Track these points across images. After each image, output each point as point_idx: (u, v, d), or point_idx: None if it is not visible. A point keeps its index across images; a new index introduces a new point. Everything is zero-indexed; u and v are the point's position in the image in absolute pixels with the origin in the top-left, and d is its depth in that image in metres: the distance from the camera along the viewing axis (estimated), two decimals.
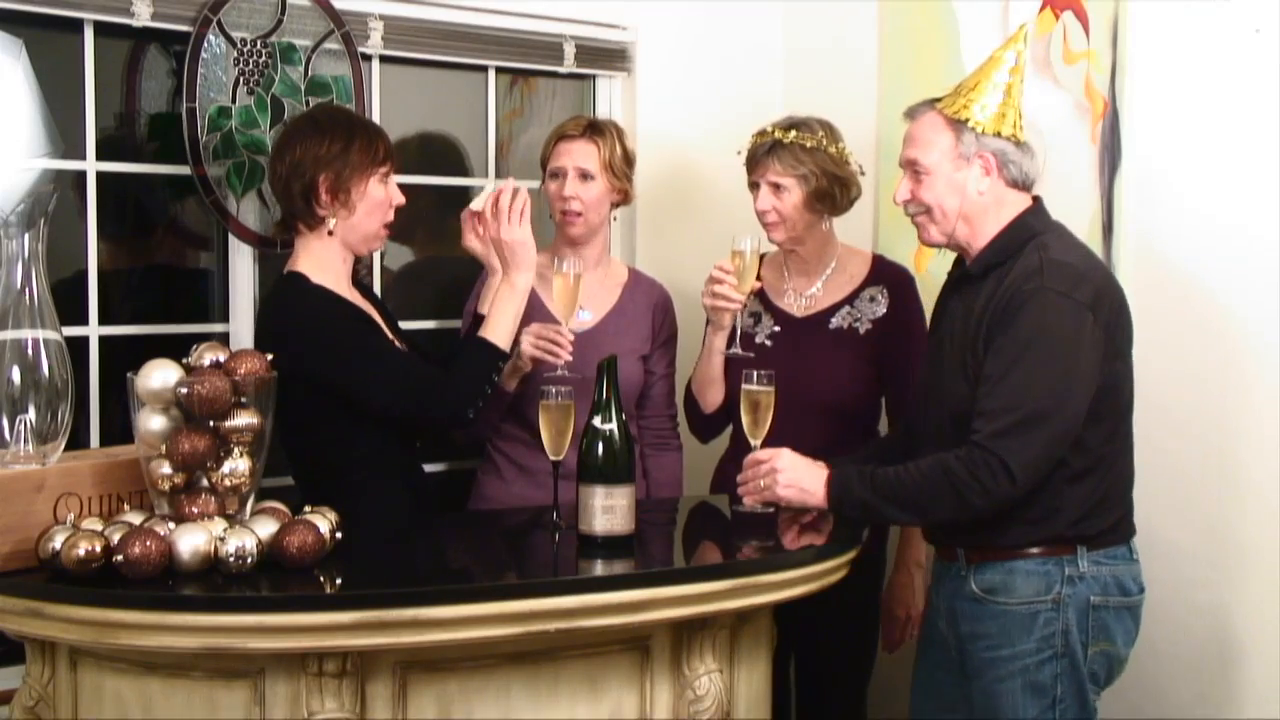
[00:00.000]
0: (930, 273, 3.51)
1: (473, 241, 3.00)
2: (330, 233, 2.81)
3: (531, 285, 2.95)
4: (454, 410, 2.80)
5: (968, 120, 2.66)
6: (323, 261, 2.82)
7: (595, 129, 3.22)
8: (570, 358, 2.94)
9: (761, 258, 3.16)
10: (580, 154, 3.18)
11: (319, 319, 2.75)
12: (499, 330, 2.86)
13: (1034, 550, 2.63)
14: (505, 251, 2.91)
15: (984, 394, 2.57)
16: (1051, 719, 2.63)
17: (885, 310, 3.17)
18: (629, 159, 3.24)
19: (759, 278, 3.12)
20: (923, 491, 2.57)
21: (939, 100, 2.73)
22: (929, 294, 3.24)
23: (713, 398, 3.19)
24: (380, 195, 2.84)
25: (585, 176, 3.18)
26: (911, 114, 2.76)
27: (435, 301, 3.64)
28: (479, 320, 2.95)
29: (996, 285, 2.63)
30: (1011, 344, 2.55)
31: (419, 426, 2.91)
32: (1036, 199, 2.73)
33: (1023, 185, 2.71)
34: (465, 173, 3.75)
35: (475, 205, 2.97)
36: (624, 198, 3.27)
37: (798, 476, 2.67)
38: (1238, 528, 2.99)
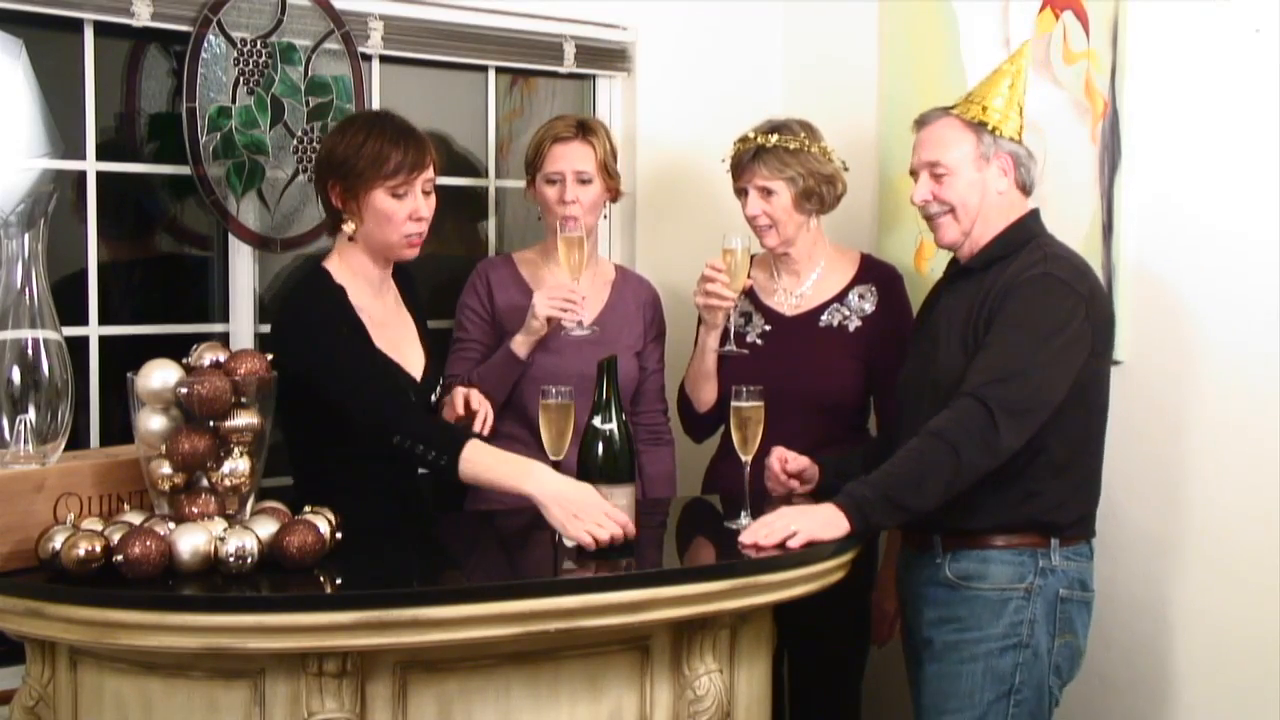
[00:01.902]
0: (930, 273, 3.51)
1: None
2: (351, 238, 2.77)
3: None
4: (384, 437, 2.63)
5: (987, 123, 2.76)
6: (349, 261, 2.79)
7: (587, 129, 3.22)
8: (583, 314, 2.97)
9: (752, 258, 3.17)
10: (576, 157, 3.18)
11: (310, 314, 2.71)
12: (480, 463, 2.60)
13: (1010, 541, 2.70)
14: (571, 516, 2.52)
15: (976, 358, 2.66)
16: (1005, 707, 2.68)
17: (874, 308, 3.21)
18: (616, 155, 3.27)
19: (749, 276, 3.13)
20: (923, 463, 2.59)
21: (951, 108, 2.82)
22: (924, 294, 3.24)
23: (706, 396, 3.20)
24: (388, 208, 2.72)
25: (583, 180, 3.18)
26: (924, 120, 2.85)
27: (428, 301, 3.64)
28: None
29: (998, 276, 2.72)
30: (1009, 317, 2.65)
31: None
32: (1034, 209, 2.84)
33: (1027, 189, 2.83)
34: (465, 173, 3.75)
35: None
36: (615, 195, 3.28)
37: (812, 513, 2.59)
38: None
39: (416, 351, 2.89)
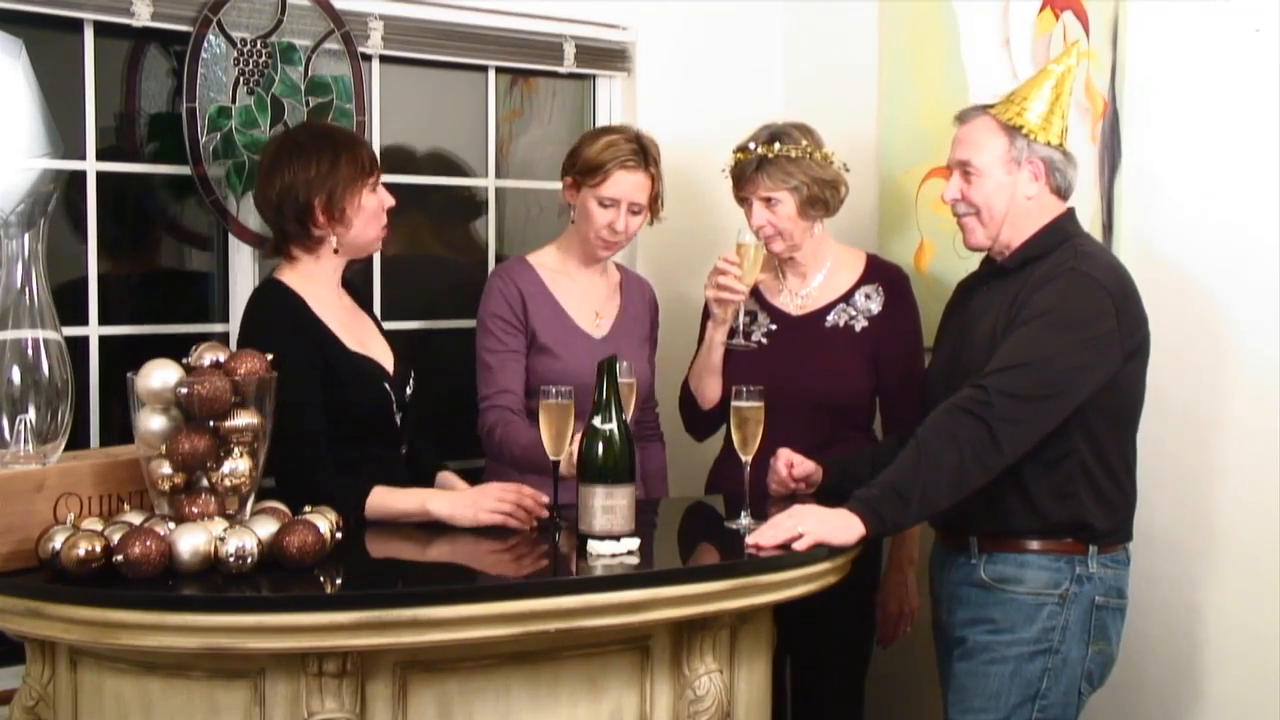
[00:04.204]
0: (929, 273, 3.52)
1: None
2: (336, 250, 2.80)
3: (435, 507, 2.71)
4: (293, 479, 2.62)
5: (1022, 127, 2.74)
6: (311, 273, 2.81)
7: (649, 159, 3.15)
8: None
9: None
10: (638, 189, 3.12)
11: (271, 334, 2.64)
12: (383, 505, 2.68)
13: (1048, 545, 2.69)
14: (472, 505, 2.69)
15: (996, 352, 2.64)
16: (1030, 711, 2.68)
17: (881, 308, 3.19)
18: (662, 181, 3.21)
19: (748, 324, 3.13)
20: (922, 453, 2.57)
21: (991, 106, 2.80)
22: (926, 294, 3.25)
23: (711, 393, 3.19)
24: (373, 205, 2.82)
25: (635, 211, 3.14)
26: (963, 117, 2.84)
27: (430, 301, 3.65)
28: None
29: (1031, 275, 2.71)
30: (1031, 311, 2.64)
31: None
32: (1070, 208, 2.81)
33: (1063, 193, 2.80)
34: (465, 173, 3.75)
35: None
36: (653, 220, 3.25)
37: (826, 515, 2.57)
38: (1234, 528, 3.00)
39: (383, 347, 2.93)
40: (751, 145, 3.13)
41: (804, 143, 3.12)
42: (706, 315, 3.16)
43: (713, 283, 3.05)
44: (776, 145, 3.09)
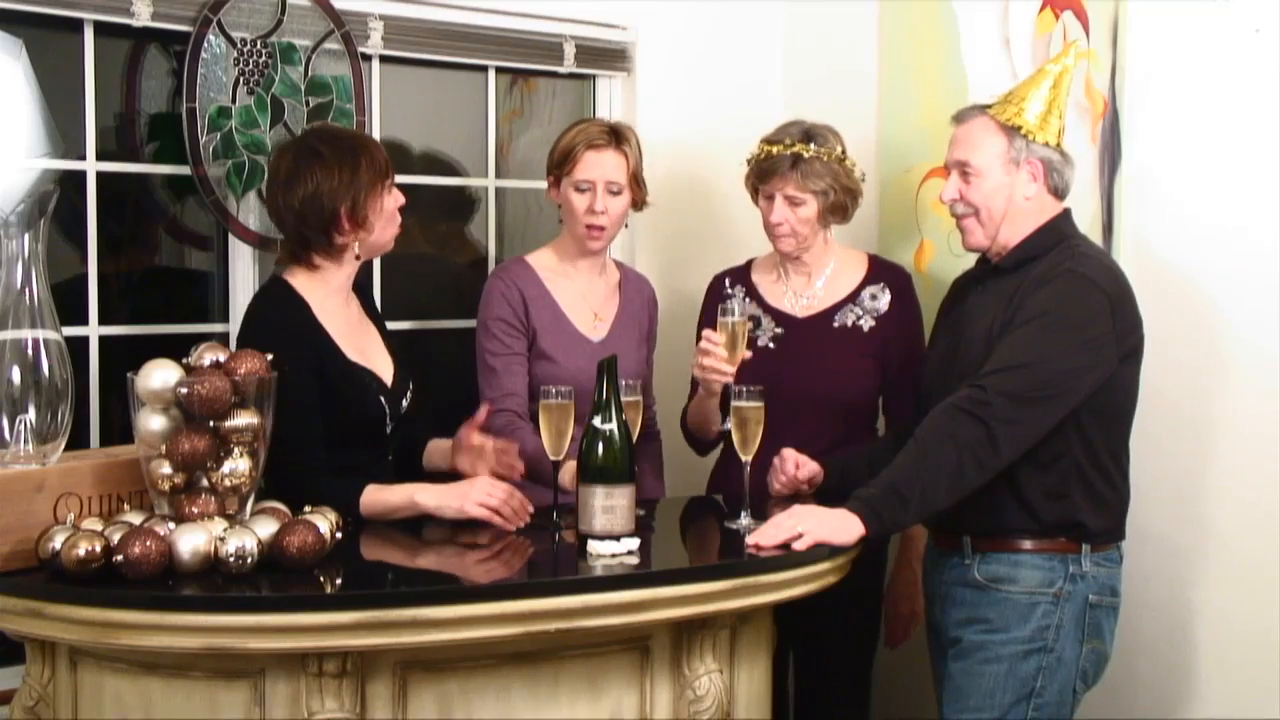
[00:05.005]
0: (929, 273, 3.52)
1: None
2: (358, 257, 2.78)
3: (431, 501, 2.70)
4: (288, 480, 2.56)
5: (1020, 127, 2.74)
6: (325, 278, 2.78)
7: (621, 138, 3.14)
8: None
9: (751, 261, 3.14)
10: (610, 167, 3.11)
11: (271, 335, 2.61)
12: (375, 501, 2.68)
13: (1041, 545, 2.69)
14: (460, 496, 2.67)
15: (992, 353, 2.65)
16: (1025, 710, 2.68)
17: (888, 308, 3.18)
18: (642, 163, 3.20)
19: (751, 330, 3.07)
20: (922, 452, 2.58)
21: (989, 106, 2.80)
22: (927, 294, 3.25)
23: (710, 429, 3.15)
24: (391, 206, 2.80)
25: (613, 191, 3.11)
26: (960, 118, 2.84)
27: (429, 301, 3.65)
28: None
29: (1027, 276, 2.71)
30: (1028, 312, 2.64)
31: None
32: (1066, 209, 2.81)
33: (1060, 194, 2.80)
34: (465, 173, 3.75)
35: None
36: (640, 205, 3.22)
37: (826, 515, 2.57)
38: (1228, 527, 3.00)
39: (385, 358, 2.90)
40: (786, 140, 3.07)
41: (838, 148, 3.10)
42: (695, 383, 3.08)
43: (699, 363, 2.93)
44: (812, 146, 3.05)
